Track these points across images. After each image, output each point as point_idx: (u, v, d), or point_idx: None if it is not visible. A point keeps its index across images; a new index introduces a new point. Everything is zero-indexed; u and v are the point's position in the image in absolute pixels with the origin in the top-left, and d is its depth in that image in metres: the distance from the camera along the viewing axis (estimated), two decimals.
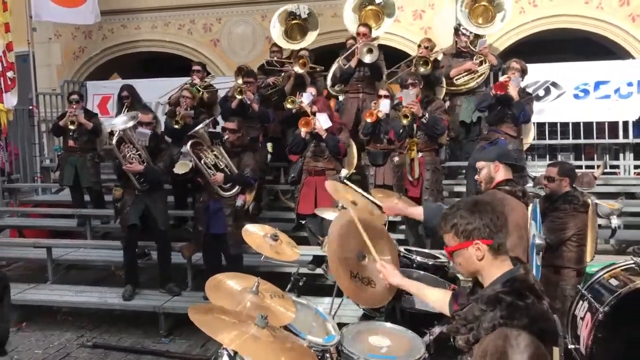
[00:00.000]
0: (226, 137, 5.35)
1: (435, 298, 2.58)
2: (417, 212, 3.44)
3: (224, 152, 5.31)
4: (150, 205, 5.43)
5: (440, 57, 7.11)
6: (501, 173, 3.34)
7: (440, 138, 5.57)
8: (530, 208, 3.15)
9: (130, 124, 5.24)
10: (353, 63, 6.47)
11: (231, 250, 5.31)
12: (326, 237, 3.80)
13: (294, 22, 7.37)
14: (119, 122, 5.32)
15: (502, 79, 5.85)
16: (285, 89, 6.99)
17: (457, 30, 7.01)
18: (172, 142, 6.54)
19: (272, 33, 7.46)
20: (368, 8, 7.14)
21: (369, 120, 5.76)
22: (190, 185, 6.72)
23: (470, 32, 6.84)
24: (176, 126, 6.52)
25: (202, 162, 5.23)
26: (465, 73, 6.82)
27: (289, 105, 6.27)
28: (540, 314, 1.84)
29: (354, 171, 6.36)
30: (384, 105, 5.74)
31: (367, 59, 6.30)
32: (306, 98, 5.75)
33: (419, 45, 6.96)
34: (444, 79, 6.86)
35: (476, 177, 3.49)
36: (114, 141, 5.32)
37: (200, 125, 5.28)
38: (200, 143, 5.28)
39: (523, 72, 5.87)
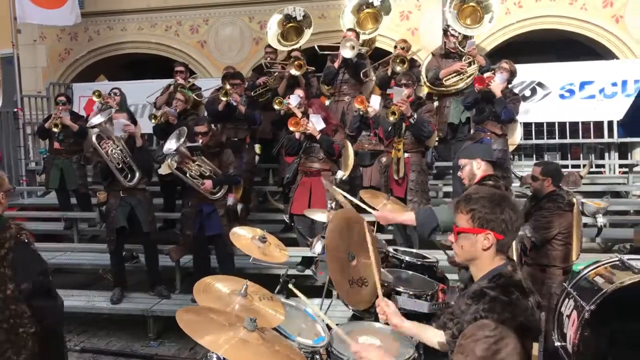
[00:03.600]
0: (200, 141, 5.34)
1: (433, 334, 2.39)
2: (409, 217, 3.48)
3: (205, 159, 5.32)
4: (135, 207, 5.38)
5: (429, 57, 7.15)
6: (483, 169, 3.45)
7: (428, 140, 5.60)
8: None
9: (105, 117, 5.18)
10: (336, 63, 6.57)
11: (227, 249, 5.29)
12: (315, 238, 3.82)
13: (290, 25, 7.41)
14: (94, 120, 5.26)
15: (487, 74, 5.92)
16: (278, 90, 7.00)
17: (445, 32, 7.05)
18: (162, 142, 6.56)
19: (268, 35, 7.47)
20: (366, 10, 7.19)
21: (358, 106, 5.77)
22: (180, 187, 6.73)
23: (459, 33, 6.88)
24: (154, 121, 6.58)
25: (188, 175, 5.23)
26: (455, 74, 6.85)
27: (276, 106, 6.28)
28: (522, 309, 1.87)
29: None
30: (374, 101, 5.77)
31: (347, 53, 6.41)
32: (294, 100, 5.75)
33: (395, 47, 7.00)
34: (423, 77, 6.91)
35: (459, 173, 3.57)
36: (93, 139, 5.24)
37: (177, 142, 5.20)
38: (180, 159, 5.26)
39: (512, 74, 5.92)
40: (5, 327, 2.50)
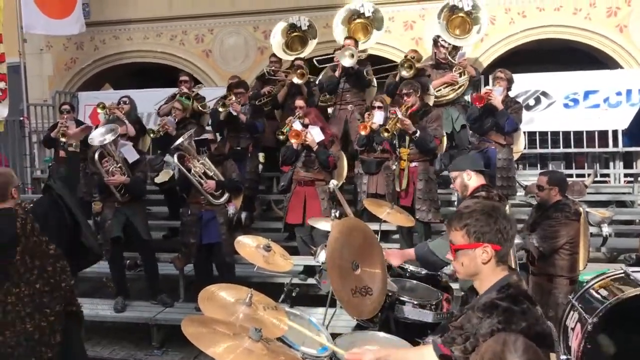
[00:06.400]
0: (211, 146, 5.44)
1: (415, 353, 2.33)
2: (410, 255, 3.49)
3: (209, 162, 5.34)
4: (131, 217, 5.39)
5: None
6: (474, 180, 3.46)
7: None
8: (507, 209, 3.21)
9: (110, 137, 5.17)
10: (337, 72, 6.56)
11: (226, 258, 5.30)
12: (319, 247, 3.82)
13: (294, 34, 7.43)
14: (96, 135, 5.21)
15: (484, 89, 5.92)
16: (278, 97, 7.00)
17: (435, 42, 7.04)
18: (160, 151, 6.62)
19: (272, 44, 7.49)
20: (357, 21, 7.20)
21: (363, 133, 5.79)
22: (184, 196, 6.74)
23: (449, 44, 6.87)
24: (152, 135, 6.65)
25: (192, 172, 5.23)
26: (445, 85, 6.81)
27: (280, 137, 6.28)
28: (535, 318, 1.86)
29: (344, 181, 6.38)
30: (378, 117, 5.76)
31: (347, 62, 6.36)
32: (297, 125, 5.72)
33: (406, 56, 7.00)
34: (431, 88, 6.90)
35: (451, 185, 3.59)
36: (95, 156, 5.23)
37: (183, 138, 5.25)
38: (186, 155, 5.29)
39: (509, 82, 5.91)
40: (53, 282, 3.09)
